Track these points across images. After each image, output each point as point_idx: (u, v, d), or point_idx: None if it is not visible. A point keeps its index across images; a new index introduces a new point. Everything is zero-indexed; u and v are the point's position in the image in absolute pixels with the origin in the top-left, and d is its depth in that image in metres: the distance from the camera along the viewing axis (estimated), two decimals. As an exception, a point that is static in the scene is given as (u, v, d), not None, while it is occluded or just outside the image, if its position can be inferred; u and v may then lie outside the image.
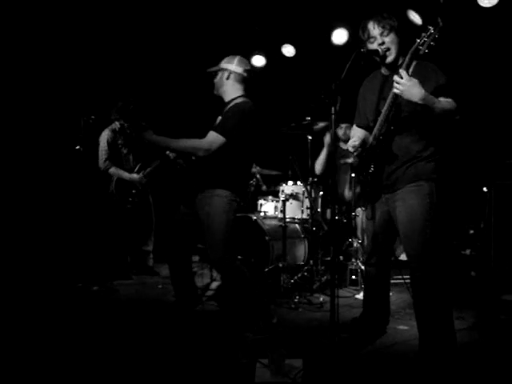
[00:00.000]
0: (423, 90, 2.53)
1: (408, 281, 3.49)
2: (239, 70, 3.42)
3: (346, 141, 5.38)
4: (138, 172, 5.18)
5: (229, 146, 3.25)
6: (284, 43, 6.52)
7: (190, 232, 3.52)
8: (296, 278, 4.47)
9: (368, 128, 3.07)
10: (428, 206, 2.74)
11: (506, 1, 4.93)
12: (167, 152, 4.32)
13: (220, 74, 3.44)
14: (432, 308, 2.68)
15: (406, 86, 2.53)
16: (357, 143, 2.94)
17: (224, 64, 3.45)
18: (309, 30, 6.23)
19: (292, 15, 6.10)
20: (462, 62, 5.13)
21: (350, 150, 2.95)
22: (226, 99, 3.47)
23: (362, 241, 4.85)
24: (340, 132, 5.40)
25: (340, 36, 6.09)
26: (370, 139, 2.93)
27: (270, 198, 5.28)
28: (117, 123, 5.12)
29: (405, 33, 2.86)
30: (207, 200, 3.33)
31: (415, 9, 5.16)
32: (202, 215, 3.35)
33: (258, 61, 6.71)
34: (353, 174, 4.75)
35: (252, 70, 3.49)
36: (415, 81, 2.52)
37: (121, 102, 4.93)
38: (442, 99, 2.63)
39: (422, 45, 2.54)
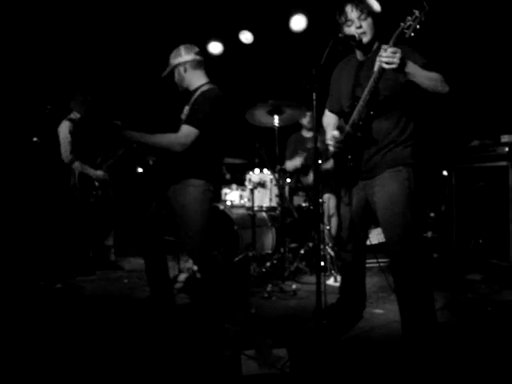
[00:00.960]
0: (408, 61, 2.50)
1: (382, 264, 3.57)
2: (190, 57, 3.35)
3: (311, 129, 5.44)
4: (100, 164, 5.00)
5: (200, 135, 3.19)
6: (241, 29, 6.43)
7: (164, 226, 3.43)
8: (266, 266, 4.45)
9: (341, 113, 3.05)
10: (407, 190, 2.75)
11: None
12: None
13: (176, 71, 3.38)
14: (414, 291, 2.70)
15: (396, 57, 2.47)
16: (337, 134, 2.90)
17: (174, 60, 3.37)
18: (266, 15, 6.17)
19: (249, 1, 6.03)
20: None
21: (330, 141, 2.91)
22: (191, 89, 3.39)
23: (330, 227, 4.90)
24: (305, 120, 5.40)
25: (299, 22, 6.07)
26: (347, 126, 2.91)
27: (234, 186, 5.23)
28: (76, 113, 4.92)
29: (381, 19, 2.84)
30: (181, 191, 3.27)
31: None
32: (177, 207, 3.28)
33: (215, 47, 6.61)
34: (319, 161, 4.80)
35: (200, 51, 3.42)
36: (398, 49, 2.46)
37: (80, 96, 4.74)
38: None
39: (408, 28, 2.51)
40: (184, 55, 3.33)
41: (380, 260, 3.50)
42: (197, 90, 3.33)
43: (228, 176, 5.31)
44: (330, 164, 5.11)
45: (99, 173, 4.99)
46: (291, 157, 5.38)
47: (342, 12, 2.82)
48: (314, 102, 2.53)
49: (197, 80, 3.34)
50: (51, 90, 5.39)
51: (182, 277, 4.57)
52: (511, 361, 2.63)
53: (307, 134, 5.48)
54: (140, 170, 6.12)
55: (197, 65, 3.34)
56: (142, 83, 6.30)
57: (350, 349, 2.85)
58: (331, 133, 2.93)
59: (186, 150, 3.20)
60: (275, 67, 6.29)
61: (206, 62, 3.49)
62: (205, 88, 3.31)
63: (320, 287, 2.57)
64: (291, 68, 6.15)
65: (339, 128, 3.02)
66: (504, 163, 4.32)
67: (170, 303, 3.58)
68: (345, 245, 3.14)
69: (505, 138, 4.43)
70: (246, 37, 6.43)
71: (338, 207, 5.23)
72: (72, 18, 5.56)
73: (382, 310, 3.53)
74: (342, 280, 3.27)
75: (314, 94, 2.53)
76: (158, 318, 3.40)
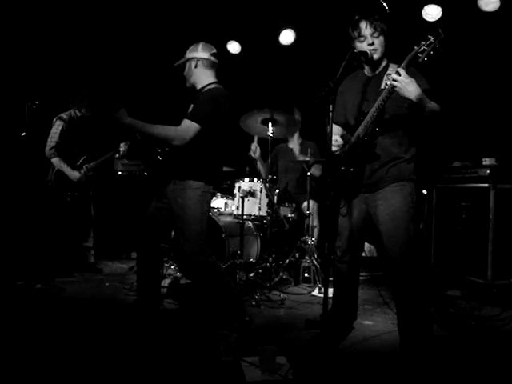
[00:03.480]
0: (420, 89, 2.61)
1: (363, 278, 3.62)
2: (205, 55, 3.38)
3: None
4: (81, 164, 4.92)
5: (201, 133, 3.19)
6: (229, 40, 6.47)
7: (164, 227, 3.39)
8: (252, 275, 4.45)
9: (346, 126, 3.11)
10: (410, 204, 2.85)
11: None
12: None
13: (187, 64, 3.40)
14: (414, 303, 2.77)
15: (404, 82, 2.58)
16: (340, 142, 2.97)
17: (189, 53, 3.40)
18: (255, 27, 6.24)
19: (238, 12, 6.08)
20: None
21: (334, 148, 2.95)
22: (198, 87, 3.41)
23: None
24: None
25: (287, 36, 6.17)
26: (352, 139, 2.98)
27: (219, 194, 5.22)
28: (77, 111, 4.85)
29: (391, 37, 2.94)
30: (179, 192, 3.25)
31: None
32: (176, 208, 3.26)
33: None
34: (309, 173, 4.88)
35: (217, 53, 3.43)
36: (412, 79, 2.59)
37: (83, 92, 4.70)
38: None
39: (422, 53, 2.62)
40: (200, 51, 3.36)
41: (373, 273, 3.56)
42: (203, 88, 3.36)
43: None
44: (317, 170, 5.21)
45: (75, 174, 4.91)
46: (271, 164, 5.45)
47: (356, 27, 2.88)
48: (331, 114, 2.59)
49: (205, 79, 3.36)
50: (40, 85, 5.28)
51: (166, 282, 4.51)
52: (505, 372, 2.73)
53: (291, 145, 5.56)
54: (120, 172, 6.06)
55: (209, 65, 3.36)
56: (145, 81, 6.28)
57: (347, 358, 2.90)
58: (334, 137, 2.96)
59: (187, 149, 3.21)
60: (270, 78, 6.37)
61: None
62: (211, 87, 3.32)
63: (327, 297, 2.61)
64: (285, 80, 6.28)
65: (342, 137, 3.07)
66: (486, 185, 4.48)
67: (157, 308, 3.54)
68: (342, 256, 3.18)
69: (486, 161, 4.61)
70: (234, 47, 6.46)
71: (320, 217, 5.31)
72: (67, 14, 5.48)
73: (372, 322, 3.60)
74: (335, 291, 3.29)
75: (331, 106, 2.59)
76: (149, 323, 3.35)
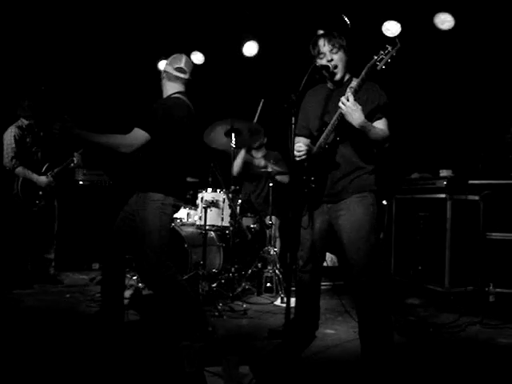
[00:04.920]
0: (363, 117, 2.72)
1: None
2: (169, 68, 3.41)
3: (258, 148, 5.57)
4: (45, 172, 4.84)
5: (157, 143, 3.19)
6: (193, 50, 6.49)
7: (129, 239, 3.32)
8: (215, 285, 4.45)
9: (310, 138, 3.17)
10: (372, 215, 2.91)
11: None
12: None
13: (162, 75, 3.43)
14: (375, 311, 2.83)
15: (350, 109, 2.70)
16: (302, 148, 3.02)
17: (164, 65, 3.45)
18: (218, 38, 6.30)
19: (202, 23, 6.12)
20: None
21: (296, 154, 3.00)
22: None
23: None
24: None
25: (250, 48, 6.24)
26: (314, 149, 3.03)
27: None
28: (24, 120, 4.78)
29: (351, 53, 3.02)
30: (141, 204, 3.23)
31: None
32: (137, 220, 3.24)
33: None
34: (271, 184, 4.93)
35: (183, 69, 3.40)
36: (359, 107, 2.71)
37: (27, 102, 4.65)
38: (377, 127, 2.85)
39: (380, 61, 2.72)
40: (167, 64, 3.40)
41: (335, 282, 3.61)
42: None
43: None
44: (286, 177, 5.23)
45: (43, 179, 4.82)
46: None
47: (315, 45, 2.99)
48: (293, 126, 2.64)
49: (170, 90, 3.38)
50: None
51: (127, 293, 4.46)
52: (461, 377, 2.82)
53: (257, 155, 5.59)
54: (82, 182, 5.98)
55: (172, 78, 3.37)
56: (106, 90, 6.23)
57: (310, 367, 2.92)
58: (297, 144, 3.03)
59: (147, 161, 3.23)
60: (233, 89, 6.42)
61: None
62: (170, 97, 3.34)
63: (289, 306, 2.63)
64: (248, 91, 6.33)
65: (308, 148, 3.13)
66: (443, 196, 4.64)
67: (120, 319, 3.49)
68: (304, 266, 3.21)
69: (443, 173, 4.77)
70: (197, 57, 6.49)
71: (280, 229, 5.36)
72: (20, 20, 5.39)
73: (333, 331, 3.64)
74: (297, 300, 3.32)
75: (293, 118, 2.64)
76: (110, 335, 3.30)
